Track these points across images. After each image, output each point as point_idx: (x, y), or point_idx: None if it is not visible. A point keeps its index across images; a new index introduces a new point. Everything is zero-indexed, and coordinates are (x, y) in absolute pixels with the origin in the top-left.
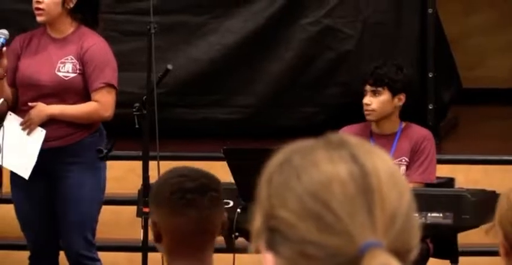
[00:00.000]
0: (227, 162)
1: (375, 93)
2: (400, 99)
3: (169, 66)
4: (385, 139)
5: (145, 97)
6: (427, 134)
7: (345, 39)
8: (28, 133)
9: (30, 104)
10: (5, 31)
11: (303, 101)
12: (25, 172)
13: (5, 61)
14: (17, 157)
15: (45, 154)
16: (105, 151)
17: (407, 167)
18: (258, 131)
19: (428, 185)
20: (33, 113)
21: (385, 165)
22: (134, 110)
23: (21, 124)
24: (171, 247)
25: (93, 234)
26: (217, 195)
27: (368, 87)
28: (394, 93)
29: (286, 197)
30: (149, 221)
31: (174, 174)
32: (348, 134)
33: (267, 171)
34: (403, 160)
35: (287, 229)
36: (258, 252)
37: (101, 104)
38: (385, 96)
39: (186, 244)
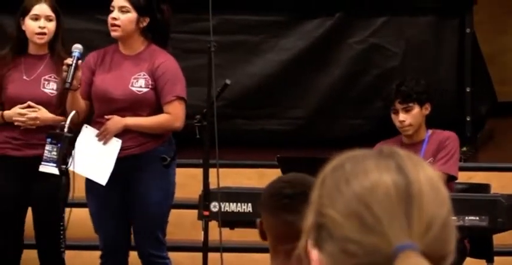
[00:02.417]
0: (280, 170)
1: (406, 110)
2: (427, 109)
3: (228, 81)
4: (414, 147)
5: (205, 109)
6: (452, 135)
7: (389, 57)
8: (104, 143)
9: (106, 116)
10: (79, 45)
11: (350, 114)
12: (102, 179)
13: (80, 73)
14: (94, 166)
15: (120, 162)
16: (168, 159)
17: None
18: (308, 141)
19: (464, 190)
20: (110, 123)
21: (428, 177)
22: (195, 121)
23: (97, 135)
24: (273, 245)
25: (164, 235)
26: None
27: (398, 106)
28: (421, 104)
29: (335, 198)
30: (257, 221)
31: (281, 179)
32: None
33: (321, 173)
34: (430, 160)
35: (332, 227)
36: (305, 248)
37: (173, 115)
38: (416, 109)
39: (284, 244)
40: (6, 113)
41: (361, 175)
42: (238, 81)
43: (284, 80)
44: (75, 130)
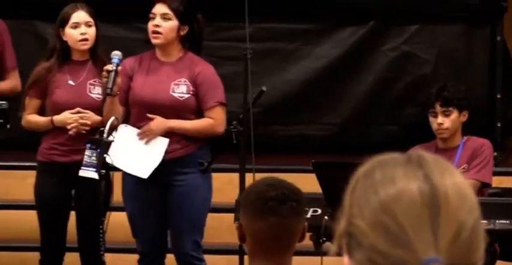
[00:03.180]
0: (316, 174)
1: (445, 113)
2: (464, 116)
3: (264, 88)
4: (449, 152)
5: (242, 115)
6: (486, 142)
7: (422, 64)
8: (146, 142)
9: (149, 115)
10: (118, 52)
11: (384, 120)
12: (144, 173)
13: (119, 80)
14: (136, 162)
15: (161, 165)
16: (206, 163)
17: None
18: (343, 146)
19: (494, 194)
20: (154, 124)
21: (455, 183)
22: (232, 127)
23: (139, 134)
24: (253, 248)
25: (201, 237)
26: (297, 206)
27: (438, 108)
28: (460, 111)
29: (363, 207)
30: (236, 223)
31: (262, 183)
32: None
33: (353, 180)
34: (464, 167)
35: (360, 236)
36: (338, 253)
37: (216, 120)
38: (454, 114)
39: (265, 247)
40: (56, 117)
41: (388, 183)
42: (274, 87)
43: (319, 87)
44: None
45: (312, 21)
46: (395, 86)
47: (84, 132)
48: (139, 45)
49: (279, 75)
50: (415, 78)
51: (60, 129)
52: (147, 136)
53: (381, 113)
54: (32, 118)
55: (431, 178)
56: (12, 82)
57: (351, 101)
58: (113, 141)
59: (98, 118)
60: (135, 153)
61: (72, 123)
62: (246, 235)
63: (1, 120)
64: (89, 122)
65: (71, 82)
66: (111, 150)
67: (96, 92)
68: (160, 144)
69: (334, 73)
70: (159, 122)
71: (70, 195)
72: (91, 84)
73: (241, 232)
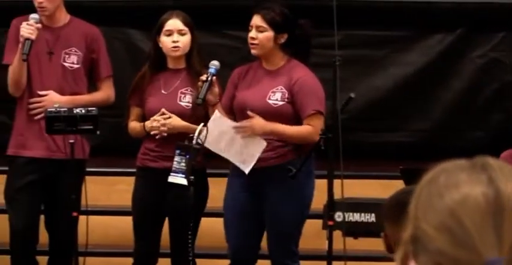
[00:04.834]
0: (403, 181)
1: None
2: None
3: (352, 95)
4: None
5: (330, 122)
6: None
7: (509, 70)
8: (242, 138)
9: (250, 113)
10: (216, 62)
11: (471, 126)
12: (245, 168)
13: (216, 89)
14: (235, 154)
15: (256, 172)
16: (294, 170)
17: None
18: (431, 152)
19: None
20: (256, 123)
21: None
22: (320, 133)
23: (236, 128)
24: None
25: (297, 245)
26: None
27: None
28: None
29: (428, 212)
30: (382, 234)
31: (400, 191)
32: (495, 158)
33: (418, 186)
34: None
35: (426, 240)
36: (403, 259)
37: (314, 128)
38: None
39: None
40: (145, 123)
41: (453, 188)
42: (362, 94)
43: (407, 94)
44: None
45: (400, 28)
46: (482, 93)
47: (165, 134)
48: (229, 52)
49: (367, 82)
50: (503, 84)
51: (151, 135)
52: (245, 132)
53: (469, 119)
54: (132, 124)
55: (495, 183)
56: (105, 92)
57: (438, 107)
58: (201, 147)
59: (182, 123)
60: (232, 146)
61: (154, 124)
62: (392, 245)
63: (91, 126)
64: (167, 122)
65: (163, 91)
66: (208, 136)
67: (186, 101)
68: (258, 146)
69: (422, 80)
70: (262, 124)
71: (163, 201)
72: (182, 92)
73: (388, 243)
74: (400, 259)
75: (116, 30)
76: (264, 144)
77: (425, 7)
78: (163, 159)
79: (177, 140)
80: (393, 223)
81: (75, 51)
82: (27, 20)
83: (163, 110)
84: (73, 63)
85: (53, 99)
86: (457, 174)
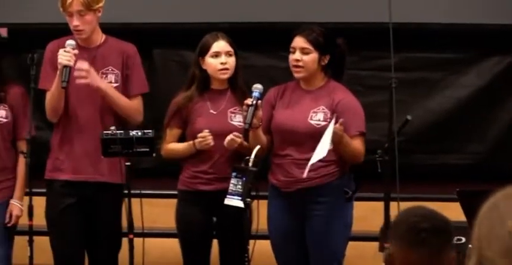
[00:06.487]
0: (460, 203)
1: None
2: None
3: (409, 117)
4: None
5: (386, 144)
6: None
7: None
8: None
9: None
10: (259, 86)
11: None
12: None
13: (260, 112)
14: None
15: (298, 193)
16: (350, 192)
17: None
18: (487, 175)
19: None
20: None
21: None
22: (377, 156)
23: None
24: None
25: None
26: (448, 237)
27: None
28: None
29: (491, 240)
30: (384, 253)
31: (412, 213)
32: None
33: (479, 214)
34: None
35: None
36: None
37: (362, 148)
38: None
39: None
40: (196, 140)
41: None
42: (418, 116)
43: (463, 116)
44: (260, 164)
45: (456, 51)
46: None
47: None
48: (284, 73)
49: (424, 104)
50: None
51: (202, 158)
52: (337, 133)
53: None
54: (172, 146)
55: None
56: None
57: (495, 129)
58: (257, 169)
59: (244, 143)
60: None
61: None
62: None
63: (147, 149)
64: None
65: (211, 110)
66: None
67: (237, 120)
68: (321, 153)
69: (479, 102)
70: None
71: (212, 223)
72: (232, 112)
73: (391, 262)
74: None
75: (172, 53)
76: (324, 155)
77: (481, 29)
78: (217, 181)
79: (232, 162)
80: (403, 245)
81: (112, 70)
82: (62, 43)
83: (206, 130)
84: (111, 82)
85: (95, 76)
86: None
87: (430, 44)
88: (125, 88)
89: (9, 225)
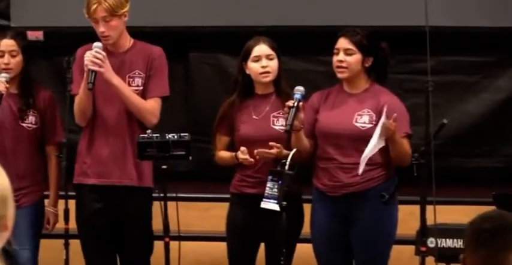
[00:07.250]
0: (496, 207)
1: None
2: None
3: (445, 121)
4: None
5: (423, 148)
6: None
7: None
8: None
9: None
10: (301, 88)
11: None
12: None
13: (302, 115)
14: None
15: (343, 197)
16: (387, 196)
17: None
18: None
19: None
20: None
21: None
22: (413, 159)
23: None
24: None
25: None
26: (509, 238)
27: None
28: None
29: None
30: (460, 256)
31: (481, 214)
32: None
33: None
34: None
35: None
36: None
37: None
38: None
39: None
40: (238, 154)
41: None
42: (454, 120)
43: (499, 119)
44: (297, 167)
45: (492, 53)
46: None
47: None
48: (323, 78)
49: (460, 107)
50: None
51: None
52: (389, 128)
53: None
54: (220, 154)
55: None
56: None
57: None
58: (294, 173)
59: (284, 152)
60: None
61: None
62: None
63: (184, 152)
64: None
65: (254, 116)
66: None
67: (279, 124)
68: (374, 148)
69: None
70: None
71: (260, 227)
72: (274, 116)
73: None
74: None
75: (207, 56)
76: (379, 147)
77: None
78: (261, 185)
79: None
80: (472, 249)
81: (139, 74)
82: (89, 48)
83: (243, 148)
84: (138, 86)
85: (109, 68)
86: None
87: (466, 47)
88: (144, 89)
89: (48, 231)
